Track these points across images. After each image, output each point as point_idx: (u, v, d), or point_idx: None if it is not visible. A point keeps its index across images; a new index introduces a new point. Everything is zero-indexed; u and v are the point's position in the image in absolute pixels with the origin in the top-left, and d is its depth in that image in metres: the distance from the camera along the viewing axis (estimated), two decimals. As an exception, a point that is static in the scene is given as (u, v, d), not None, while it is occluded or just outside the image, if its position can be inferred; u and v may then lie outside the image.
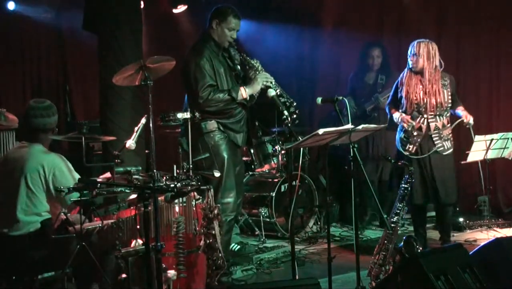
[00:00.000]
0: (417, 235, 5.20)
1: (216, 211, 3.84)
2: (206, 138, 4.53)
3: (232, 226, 4.73)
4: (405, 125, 5.06)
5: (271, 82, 4.53)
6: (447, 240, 5.30)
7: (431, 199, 5.18)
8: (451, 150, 5.12)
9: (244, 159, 5.84)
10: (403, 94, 5.13)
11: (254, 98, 4.69)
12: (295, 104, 4.48)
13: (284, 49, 7.90)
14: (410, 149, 5.07)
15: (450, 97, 5.08)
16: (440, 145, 5.05)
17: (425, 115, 5.04)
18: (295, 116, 4.44)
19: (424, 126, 5.04)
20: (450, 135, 5.14)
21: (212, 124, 4.53)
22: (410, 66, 5.11)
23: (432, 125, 5.04)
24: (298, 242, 5.90)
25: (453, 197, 5.19)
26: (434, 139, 5.05)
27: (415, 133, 5.06)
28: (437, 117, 5.05)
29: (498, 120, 6.97)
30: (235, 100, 4.49)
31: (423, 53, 4.98)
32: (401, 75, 5.23)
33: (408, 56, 5.12)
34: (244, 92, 4.51)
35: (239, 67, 4.74)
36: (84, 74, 7.44)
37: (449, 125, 5.11)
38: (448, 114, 5.13)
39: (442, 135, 5.06)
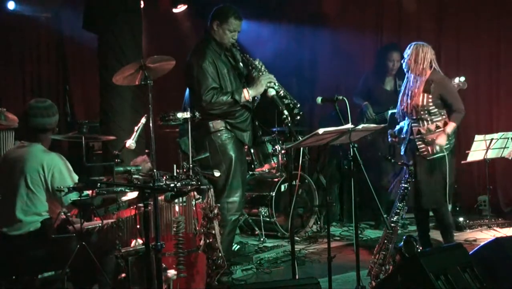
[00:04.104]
0: (420, 234, 5.10)
1: (216, 211, 3.84)
2: (213, 138, 4.50)
3: (235, 225, 4.72)
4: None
5: (275, 84, 4.52)
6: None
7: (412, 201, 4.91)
8: (439, 155, 4.80)
9: (244, 158, 5.84)
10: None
11: (256, 100, 4.68)
12: (299, 106, 4.47)
13: (284, 49, 7.90)
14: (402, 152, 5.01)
15: (430, 101, 4.81)
16: (423, 149, 4.85)
17: (408, 120, 4.93)
18: (298, 118, 4.44)
19: (409, 130, 4.93)
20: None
21: (219, 124, 4.51)
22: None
23: (415, 129, 4.87)
24: (298, 242, 5.90)
25: (432, 202, 4.90)
26: (417, 143, 4.86)
27: (402, 136, 4.98)
28: (420, 122, 4.85)
29: (498, 120, 6.98)
30: (238, 102, 4.46)
31: (411, 55, 4.86)
32: None
33: None
34: (247, 94, 4.47)
35: (241, 64, 4.72)
36: (84, 74, 7.44)
37: (438, 130, 4.79)
38: (437, 120, 4.83)
39: (426, 140, 4.82)
